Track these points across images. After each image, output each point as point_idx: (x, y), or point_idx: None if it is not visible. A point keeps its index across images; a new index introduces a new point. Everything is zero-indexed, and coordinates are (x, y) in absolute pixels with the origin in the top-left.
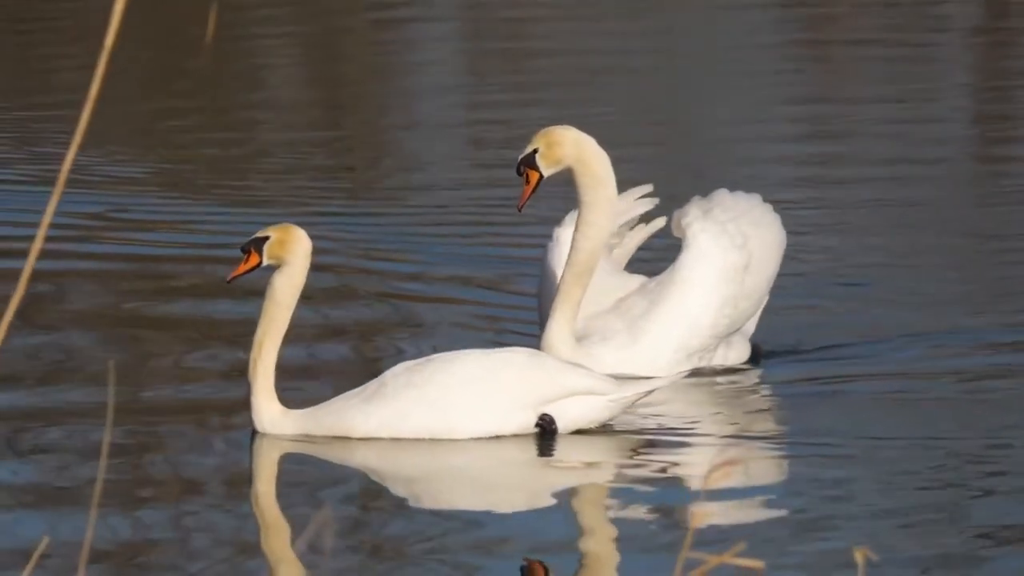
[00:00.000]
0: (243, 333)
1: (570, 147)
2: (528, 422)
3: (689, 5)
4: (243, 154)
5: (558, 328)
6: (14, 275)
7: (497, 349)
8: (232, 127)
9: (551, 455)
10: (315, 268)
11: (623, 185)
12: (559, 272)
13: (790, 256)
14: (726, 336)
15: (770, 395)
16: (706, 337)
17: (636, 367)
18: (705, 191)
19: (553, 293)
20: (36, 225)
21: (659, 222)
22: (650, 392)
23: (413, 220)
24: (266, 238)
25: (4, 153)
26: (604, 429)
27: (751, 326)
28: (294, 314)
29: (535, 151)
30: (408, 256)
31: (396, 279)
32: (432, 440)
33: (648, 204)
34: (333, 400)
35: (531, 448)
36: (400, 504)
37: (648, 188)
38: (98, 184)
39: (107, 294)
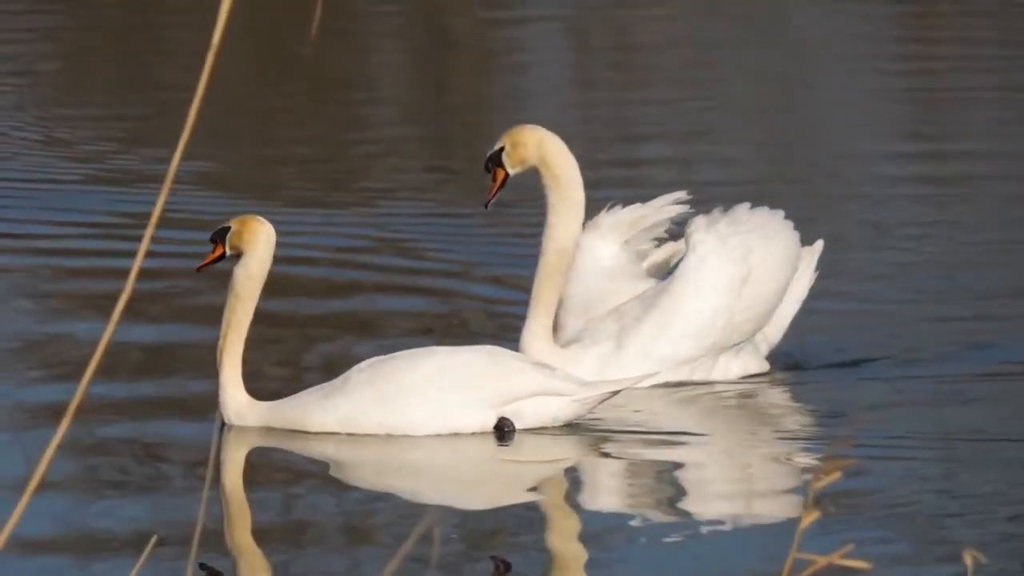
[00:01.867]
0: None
1: (532, 148)
2: (487, 421)
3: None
4: (347, 154)
5: (530, 329)
6: (117, 272)
7: (462, 348)
8: (336, 126)
9: (510, 453)
10: (403, 271)
11: (717, 187)
12: (580, 276)
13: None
14: (722, 348)
15: (777, 401)
16: (692, 348)
17: (617, 373)
18: (803, 195)
19: (573, 296)
20: (137, 225)
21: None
22: (615, 393)
23: (516, 222)
24: (228, 228)
25: (116, 150)
26: (571, 428)
27: (774, 337)
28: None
29: (501, 149)
30: (499, 261)
31: (477, 282)
32: (389, 436)
33: (677, 211)
34: (299, 394)
35: (489, 446)
36: (366, 498)
37: (681, 194)
38: (193, 183)
39: (207, 293)
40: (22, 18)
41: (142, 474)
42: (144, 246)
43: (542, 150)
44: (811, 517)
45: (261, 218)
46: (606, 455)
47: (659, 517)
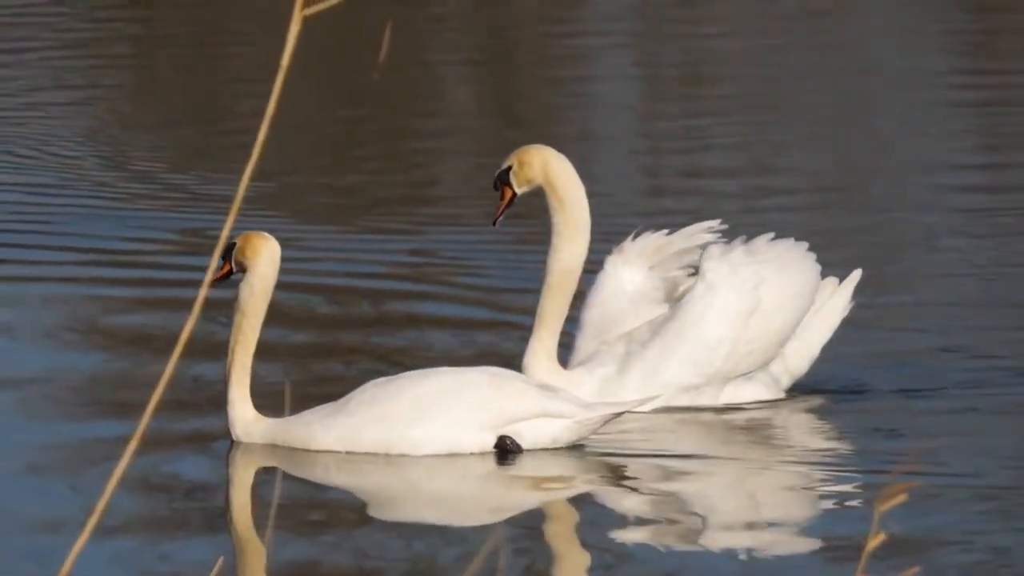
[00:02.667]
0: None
1: (538, 168)
2: (486, 442)
3: (871, 20)
4: (410, 177)
5: (533, 350)
6: (179, 304)
7: (465, 368)
8: (403, 141)
9: (509, 473)
10: (463, 288)
11: (779, 199)
12: (601, 301)
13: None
14: (727, 377)
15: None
16: (694, 376)
17: (618, 397)
18: (859, 221)
19: (591, 320)
20: (204, 245)
21: None
22: (617, 415)
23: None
24: (235, 244)
25: (190, 172)
26: (571, 450)
27: (797, 366)
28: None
29: (509, 168)
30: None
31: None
32: (389, 456)
33: (708, 239)
34: (305, 412)
35: (489, 466)
36: (369, 520)
37: (713, 223)
38: (255, 205)
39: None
40: (91, 44)
41: (200, 512)
42: (210, 275)
43: (547, 171)
44: (877, 539)
45: (265, 234)
46: (606, 477)
47: (657, 539)
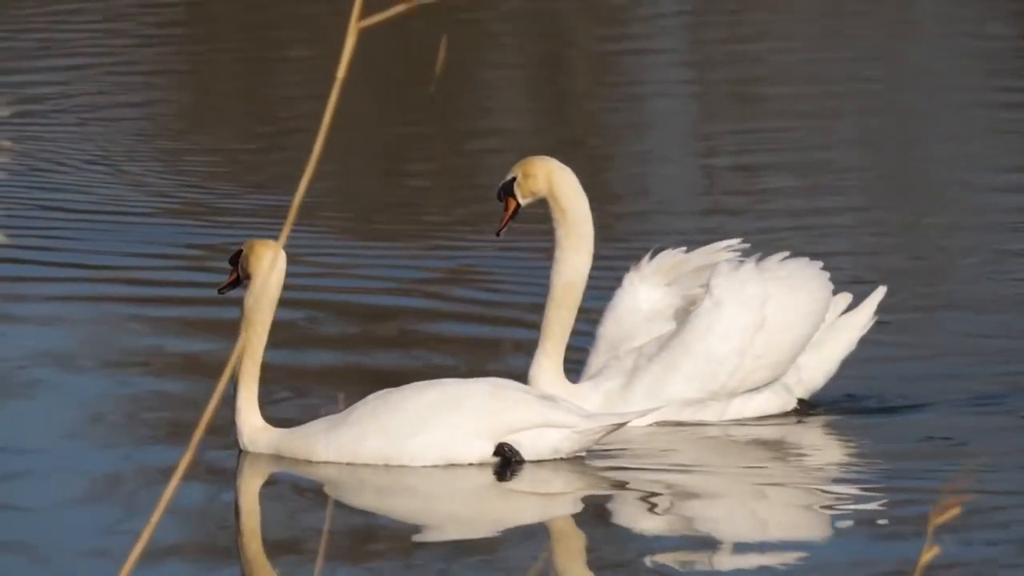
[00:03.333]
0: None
1: (542, 180)
2: (485, 452)
3: (933, 34)
4: (463, 190)
5: (538, 363)
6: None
7: (467, 380)
8: (458, 156)
9: (510, 484)
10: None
11: (831, 215)
12: (616, 317)
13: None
14: (731, 393)
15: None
16: (697, 391)
17: (622, 410)
18: (906, 239)
19: (605, 336)
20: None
21: None
22: (619, 426)
23: (625, 253)
24: (241, 252)
25: (243, 185)
26: (573, 460)
27: (812, 381)
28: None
29: (513, 179)
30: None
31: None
32: (388, 466)
33: (727, 256)
34: (310, 423)
35: (490, 477)
36: (376, 531)
37: (733, 241)
38: (307, 217)
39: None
40: (140, 51)
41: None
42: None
43: (551, 182)
44: (931, 553)
45: (270, 241)
46: (608, 489)
47: (659, 552)
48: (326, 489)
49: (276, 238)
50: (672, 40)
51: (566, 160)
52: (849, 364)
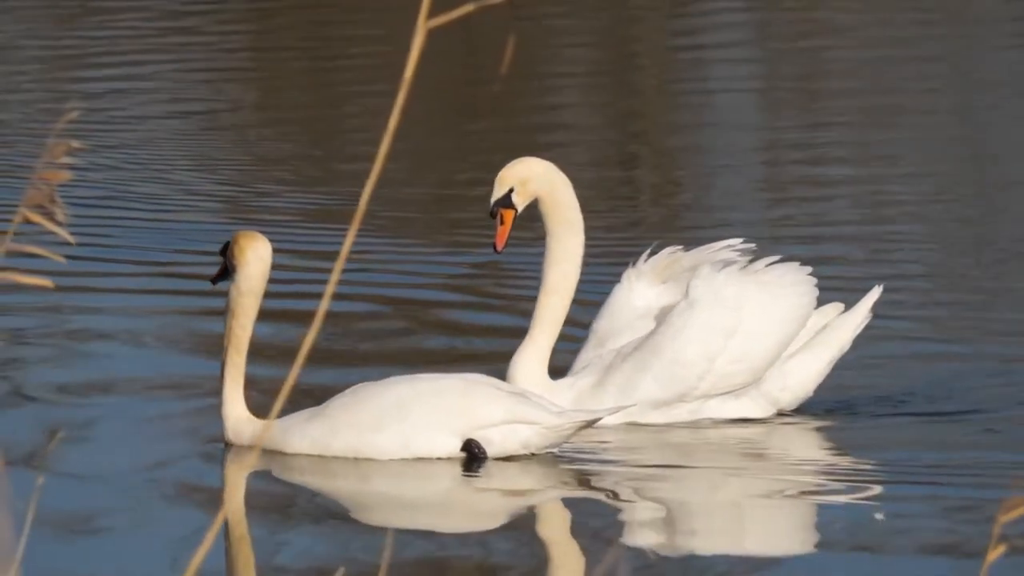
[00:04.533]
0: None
1: (543, 180)
2: (452, 448)
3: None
4: None
5: (523, 353)
6: (301, 316)
7: (441, 375)
8: (521, 149)
9: (478, 479)
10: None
11: (898, 215)
12: (609, 313)
13: None
14: (704, 395)
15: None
16: (666, 392)
17: (592, 407)
18: (977, 249)
19: (596, 332)
20: (322, 260)
21: None
22: (590, 423)
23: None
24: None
25: (308, 186)
26: (543, 457)
27: (798, 387)
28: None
29: (510, 191)
30: None
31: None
32: (357, 460)
33: (725, 256)
34: (290, 415)
35: (458, 472)
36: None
37: (735, 240)
38: (371, 220)
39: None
40: (204, 50)
41: (318, 509)
42: (331, 288)
43: (551, 180)
44: (998, 552)
45: (255, 233)
46: (575, 485)
47: (625, 548)
48: (297, 481)
49: (342, 238)
50: (738, 34)
51: (635, 156)
52: (852, 366)
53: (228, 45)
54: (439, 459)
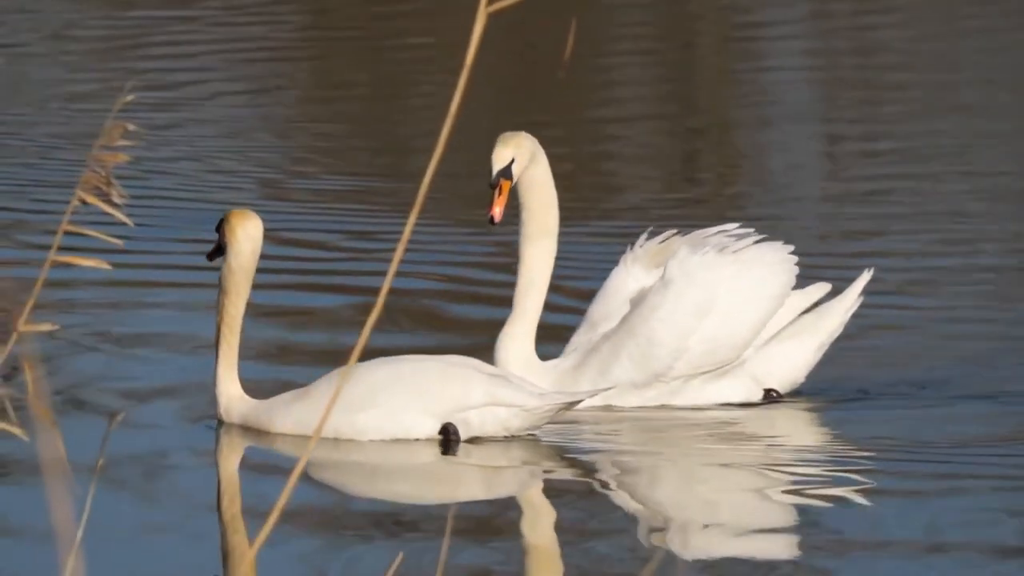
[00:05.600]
0: None
1: (531, 151)
2: (431, 429)
3: None
4: (592, 170)
5: (505, 339)
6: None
7: (425, 357)
8: (583, 142)
9: (457, 460)
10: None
11: (957, 203)
12: (603, 296)
13: None
14: (678, 377)
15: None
16: (642, 373)
17: (571, 388)
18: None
19: (590, 314)
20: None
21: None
22: (570, 405)
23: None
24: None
25: (364, 172)
26: (523, 439)
27: (786, 372)
28: None
29: (512, 162)
30: None
31: None
32: (338, 441)
33: (717, 241)
34: (281, 395)
35: (437, 453)
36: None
37: (731, 226)
38: (430, 208)
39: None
40: (261, 38)
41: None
42: (393, 269)
43: (538, 153)
44: None
45: (246, 211)
46: (553, 466)
47: (603, 531)
48: (281, 463)
49: (403, 224)
50: (800, 24)
51: (692, 142)
52: (847, 351)
53: (282, 27)
54: (418, 440)
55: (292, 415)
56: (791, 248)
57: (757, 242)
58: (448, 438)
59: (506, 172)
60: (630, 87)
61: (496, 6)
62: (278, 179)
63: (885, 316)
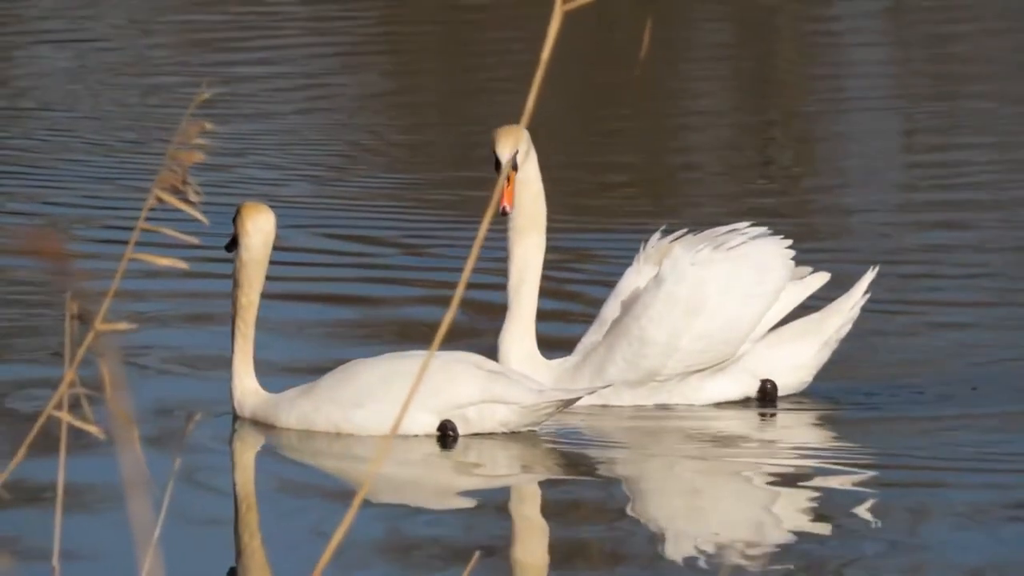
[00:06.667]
0: None
1: (527, 144)
2: (428, 425)
3: None
4: (668, 168)
5: (505, 336)
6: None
7: (427, 352)
8: (658, 141)
9: (456, 456)
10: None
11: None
12: (616, 295)
13: None
14: (672, 375)
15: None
16: (636, 371)
17: (571, 386)
18: None
19: (602, 314)
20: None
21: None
22: (568, 402)
23: (826, 230)
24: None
25: (432, 168)
26: (522, 436)
27: (787, 374)
28: None
29: (516, 153)
30: None
31: None
32: (339, 435)
33: (732, 239)
34: (291, 389)
35: (436, 449)
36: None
37: (742, 224)
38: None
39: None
40: (339, 35)
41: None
42: (466, 275)
43: (529, 146)
44: None
45: (258, 204)
46: (551, 463)
47: (602, 528)
48: (284, 454)
49: (477, 226)
50: (877, 20)
51: (769, 139)
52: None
53: (361, 27)
54: (416, 436)
55: (296, 410)
56: (788, 243)
57: (754, 238)
58: (446, 434)
59: (513, 163)
60: (705, 83)
61: (571, 4)
62: (341, 176)
63: (951, 313)
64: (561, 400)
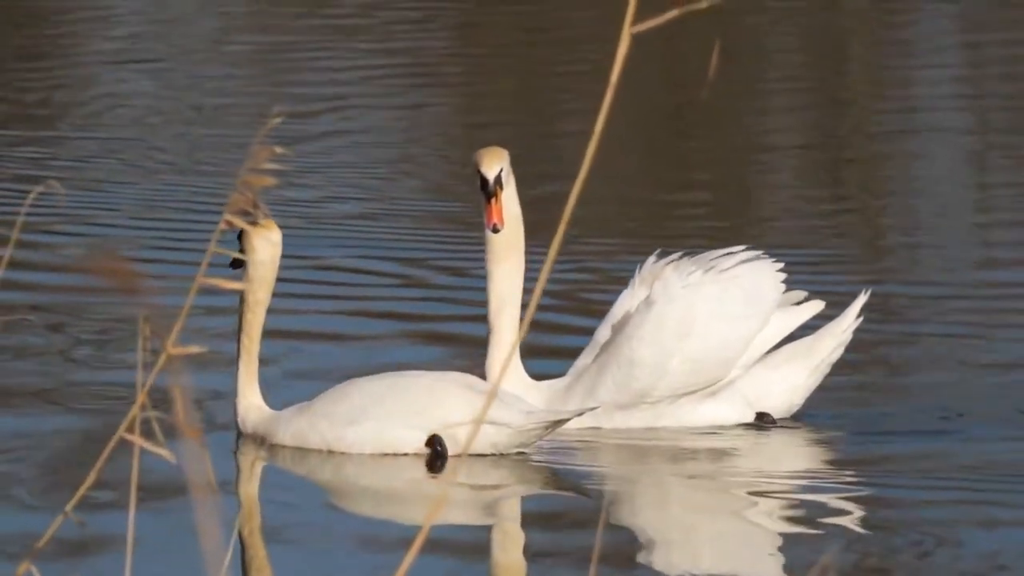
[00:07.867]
0: None
1: (508, 164)
2: (417, 443)
3: None
4: (737, 191)
5: (491, 363)
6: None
7: (422, 372)
8: (726, 162)
9: (443, 477)
10: None
11: None
12: (610, 317)
13: None
14: (661, 398)
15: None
16: (620, 393)
17: (561, 408)
18: None
19: (596, 336)
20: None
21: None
22: (557, 424)
23: (906, 276)
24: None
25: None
26: (511, 457)
27: (780, 397)
28: None
29: (501, 170)
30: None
31: None
32: (332, 453)
33: (726, 263)
34: (292, 406)
35: (423, 469)
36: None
37: (737, 248)
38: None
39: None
40: (410, 56)
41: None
42: (537, 295)
43: (508, 165)
44: None
45: (266, 222)
46: (539, 484)
47: (589, 547)
48: (285, 467)
49: (545, 252)
50: (950, 52)
51: (839, 164)
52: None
53: (434, 53)
54: (406, 455)
55: (291, 427)
56: (779, 266)
57: (745, 261)
58: (435, 450)
59: (499, 180)
60: (775, 108)
61: (640, 27)
62: (409, 199)
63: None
64: (550, 421)
